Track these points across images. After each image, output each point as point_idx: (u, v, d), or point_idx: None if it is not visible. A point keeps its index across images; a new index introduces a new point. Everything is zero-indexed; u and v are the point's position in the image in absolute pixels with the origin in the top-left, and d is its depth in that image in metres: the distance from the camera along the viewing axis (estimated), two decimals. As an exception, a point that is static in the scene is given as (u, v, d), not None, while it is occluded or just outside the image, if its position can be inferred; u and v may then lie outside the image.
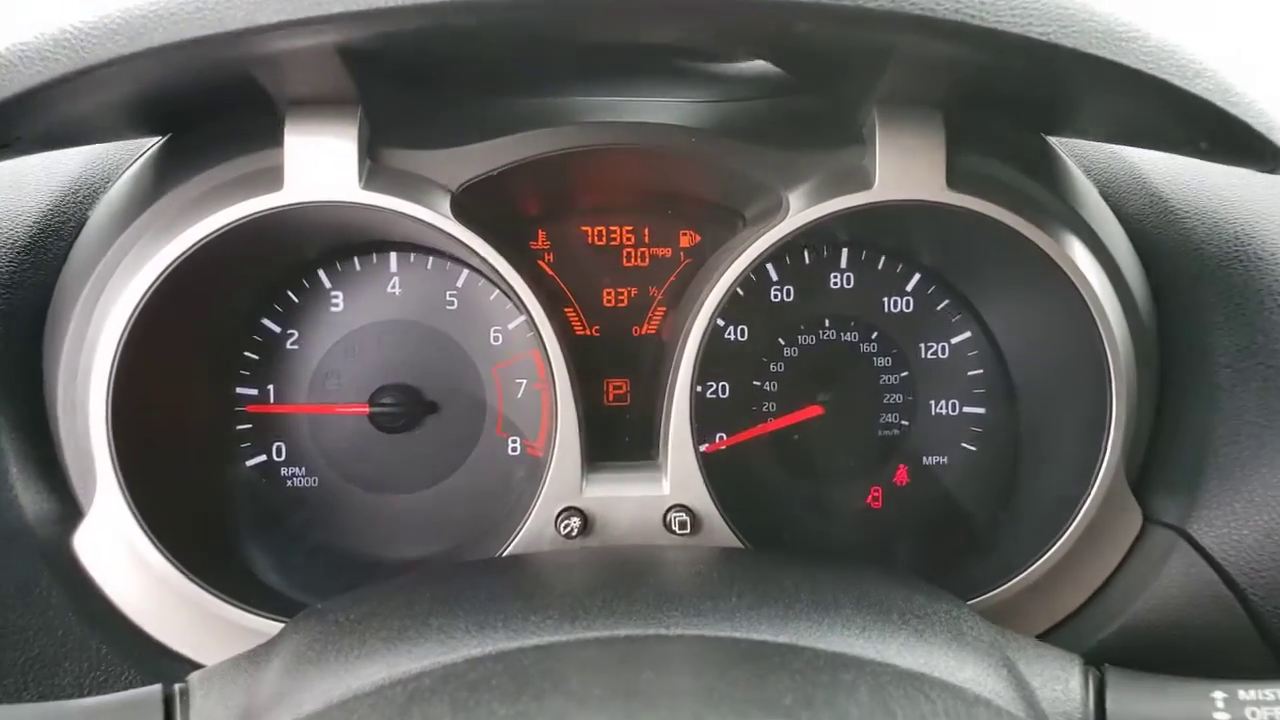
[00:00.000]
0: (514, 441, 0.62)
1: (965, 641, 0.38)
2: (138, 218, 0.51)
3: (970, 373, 0.63)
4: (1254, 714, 0.36)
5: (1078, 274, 0.52)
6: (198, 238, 0.49)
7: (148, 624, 0.50)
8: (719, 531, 0.54)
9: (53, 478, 0.52)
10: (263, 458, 0.60)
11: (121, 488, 0.49)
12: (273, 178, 0.50)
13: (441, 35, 0.41)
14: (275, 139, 0.49)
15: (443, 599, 0.39)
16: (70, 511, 0.52)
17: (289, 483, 0.60)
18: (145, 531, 0.49)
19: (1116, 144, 0.58)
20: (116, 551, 0.50)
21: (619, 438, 0.60)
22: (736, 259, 0.53)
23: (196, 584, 0.50)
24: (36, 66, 0.36)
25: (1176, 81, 0.40)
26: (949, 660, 0.36)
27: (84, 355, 0.51)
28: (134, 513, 0.49)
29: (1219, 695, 0.37)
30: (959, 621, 0.40)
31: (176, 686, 0.39)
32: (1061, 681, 0.39)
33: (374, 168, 0.51)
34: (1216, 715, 0.37)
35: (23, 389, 0.52)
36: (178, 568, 0.49)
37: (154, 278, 0.49)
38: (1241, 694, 0.37)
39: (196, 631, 0.50)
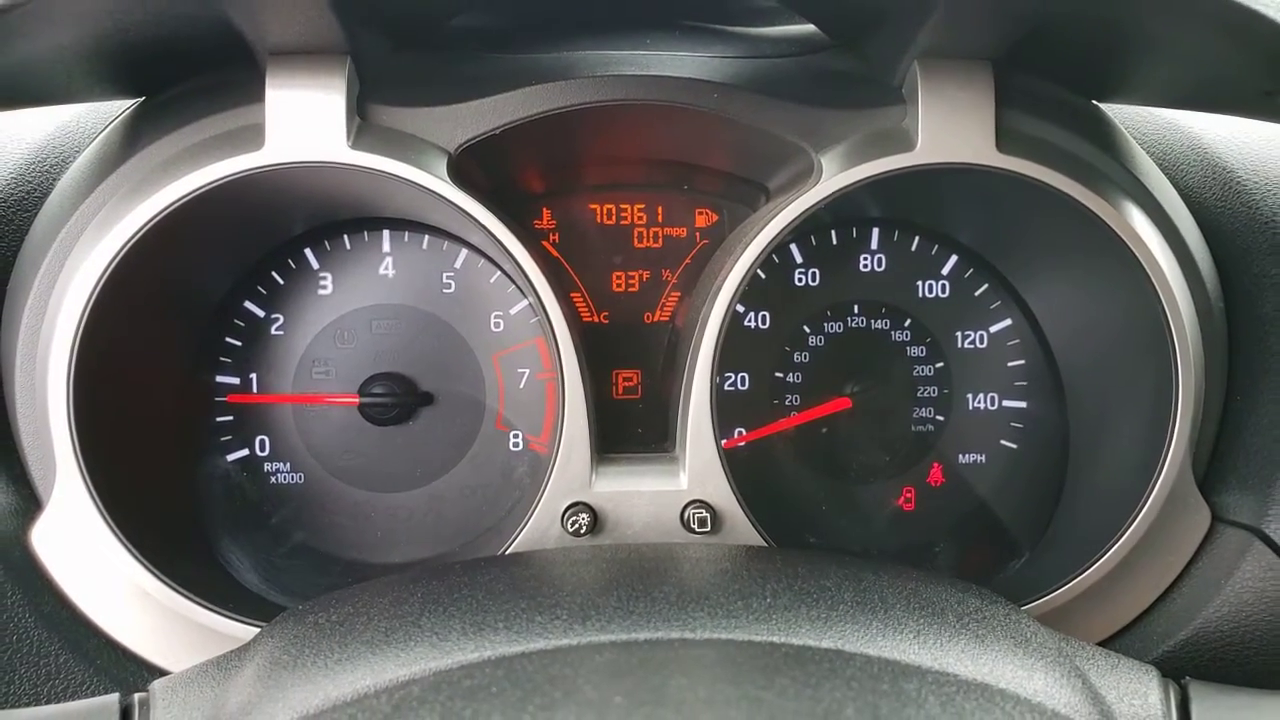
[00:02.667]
0: (516, 436, 0.57)
1: (1030, 649, 0.33)
2: (104, 180, 0.46)
3: (1011, 364, 0.58)
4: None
5: (1141, 246, 0.47)
6: (169, 200, 0.45)
7: (111, 627, 0.46)
8: (742, 530, 0.49)
9: (9, 466, 0.48)
10: (244, 452, 0.56)
11: (83, 476, 0.45)
12: (253, 136, 0.45)
13: None
14: (256, 94, 0.45)
15: (436, 597, 0.35)
16: (28, 504, 0.48)
17: (272, 479, 0.56)
18: (109, 524, 0.44)
19: (1173, 108, 0.53)
20: (77, 546, 0.46)
21: (630, 430, 0.56)
22: (760, 233, 0.49)
23: (165, 583, 0.45)
24: None
25: (1265, 10, 0.35)
26: (1016, 670, 0.31)
27: (44, 331, 0.46)
28: (96, 504, 0.45)
29: None
30: (1019, 626, 0.35)
31: (136, 696, 0.34)
32: (1140, 695, 0.34)
33: (363, 125, 0.47)
34: None
35: None
36: (145, 565, 0.45)
37: (120, 244, 0.44)
38: None
39: (164, 636, 0.45)
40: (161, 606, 0.45)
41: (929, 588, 0.36)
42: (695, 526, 0.49)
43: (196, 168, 0.45)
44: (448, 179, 0.47)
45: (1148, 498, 0.48)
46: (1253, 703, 0.34)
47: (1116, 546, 0.48)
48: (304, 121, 0.45)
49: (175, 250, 0.47)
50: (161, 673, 0.46)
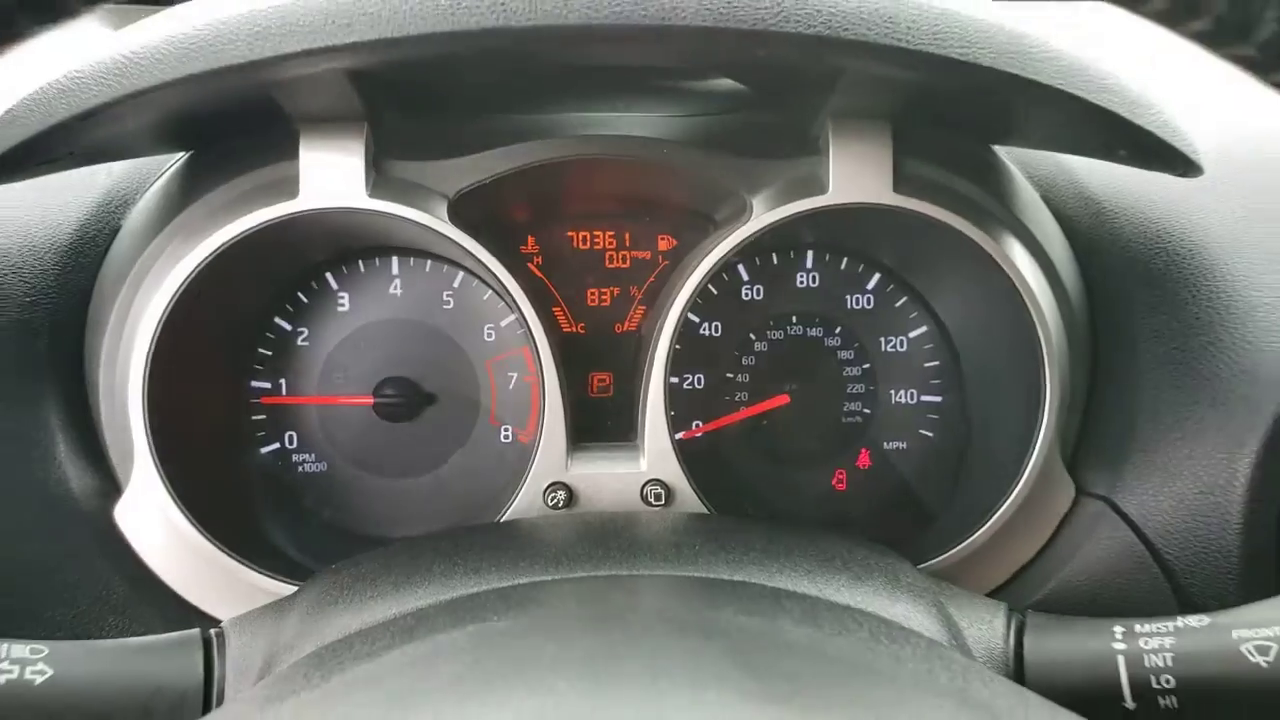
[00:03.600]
0: (506, 429, 0.67)
1: (901, 586, 0.44)
2: (167, 224, 0.56)
3: (927, 364, 0.68)
4: (1146, 643, 0.41)
5: (1015, 271, 0.57)
6: (222, 241, 0.55)
7: (181, 587, 0.56)
8: (690, 503, 0.59)
9: (95, 456, 0.57)
10: (276, 445, 0.66)
11: (157, 467, 0.54)
12: (288, 186, 0.55)
13: (431, 62, 0.47)
14: (290, 153, 0.55)
15: (444, 552, 0.45)
16: (110, 487, 0.57)
17: (300, 468, 0.66)
18: (178, 505, 0.54)
19: (1052, 151, 0.63)
20: (152, 522, 0.56)
21: (602, 423, 0.66)
22: (705, 259, 0.59)
23: (224, 552, 0.55)
24: (94, 89, 0.41)
25: (1085, 95, 0.45)
26: (883, 599, 0.41)
27: (122, 349, 0.56)
28: (168, 488, 0.55)
29: (1119, 629, 0.42)
30: (899, 573, 0.45)
31: (213, 630, 0.44)
32: (986, 623, 0.44)
33: (378, 179, 0.57)
34: (1115, 644, 0.42)
35: (68, 378, 0.57)
36: (207, 537, 0.55)
37: (183, 279, 0.54)
38: (1138, 627, 0.42)
39: (224, 594, 0.55)
40: (220, 569, 0.55)
41: (828, 541, 0.47)
42: (652, 501, 0.59)
43: (244, 213, 0.55)
44: (447, 220, 0.57)
45: (1021, 475, 0.57)
46: (1071, 625, 0.44)
47: (995, 517, 0.57)
48: (330, 176, 0.55)
49: (224, 280, 0.56)
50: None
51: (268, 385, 0.65)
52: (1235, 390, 0.54)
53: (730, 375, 0.68)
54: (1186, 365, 0.56)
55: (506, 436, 0.67)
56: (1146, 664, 0.41)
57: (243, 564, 0.55)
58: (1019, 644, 0.44)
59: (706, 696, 0.27)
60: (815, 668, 0.31)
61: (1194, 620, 0.42)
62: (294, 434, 0.66)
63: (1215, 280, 0.57)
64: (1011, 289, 0.57)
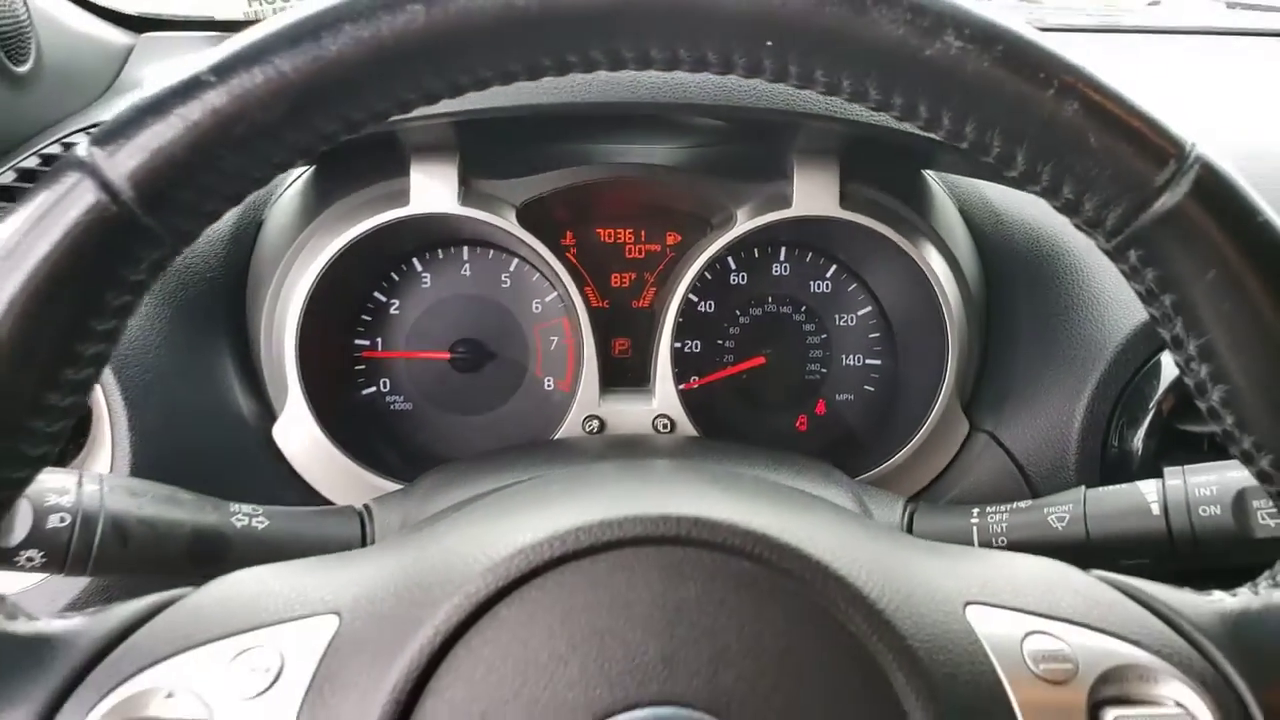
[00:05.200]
0: (549, 380, 0.88)
1: (831, 480, 0.65)
2: (310, 222, 0.77)
3: (870, 335, 0.88)
4: (991, 518, 0.63)
5: (928, 266, 0.78)
6: (352, 236, 0.75)
7: (322, 487, 0.76)
8: (688, 432, 0.80)
9: (256, 391, 0.78)
10: (374, 389, 0.86)
11: (305, 398, 0.75)
12: (401, 198, 0.76)
13: (526, 116, 0.68)
14: (402, 171, 0.76)
15: (520, 452, 0.66)
16: (268, 413, 0.78)
17: (392, 406, 0.86)
18: (320, 426, 0.75)
19: (965, 176, 0.84)
20: (301, 439, 0.76)
21: (624, 375, 0.86)
22: (702, 254, 0.80)
23: (352, 460, 0.76)
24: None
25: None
26: (817, 485, 0.63)
27: (278, 313, 0.76)
28: (313, 414, 0.75)
29: (974, 510, 0.63)
30: (831, 473, 0.67)
31: (363, 505, 0.65)
32: (888, 506, 0.65)
33: (466, 191, 0.77)
34: (971, 520, 0.63)
35: (235, 332, 0.78)
36: (340, 449, 0.75)
37: (324, 264, 0.75)
38: (988, 509, 0.63)
39: (351, 492, 0.76)
40: (350, 473, 0.75)
41: (786, 456, 0.68)
42: (660, 429, 0.80)
43: (368, 216, 0.75)
44: (515, 222, 0.78)
45: (929, 415, 0.79)
46: (948, 511, 0.65)
47: (909, 445, 0.77)
48: (433, 189, 0.75)
49: (347, 265, 0.77)
50: None
51: (368, 342, 0.86)
52: (1079, 354, 0.75)
53: (720, 341, 0.88)
54: (1050, 334, 0.77)
55: (549, 386, 0.88)
56: (990, 531, 0.62)
57: (365, 469, 0.76)
58: (909, 523, 0.65)
59: (688, 477, 0.46)
60: (760, 487, 0.47)
61: (1023, 504, 0.63)
62: (387, 380, 0.86)
63: (1074, 274, 0.78)
64: (926, 280, 0.79)
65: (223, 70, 0.35)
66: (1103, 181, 0.36)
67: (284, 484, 0.74)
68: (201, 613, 0.40)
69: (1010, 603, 0.39)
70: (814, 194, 0.77)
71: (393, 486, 0.75)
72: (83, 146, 0.35)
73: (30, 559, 0.51)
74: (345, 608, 0.38)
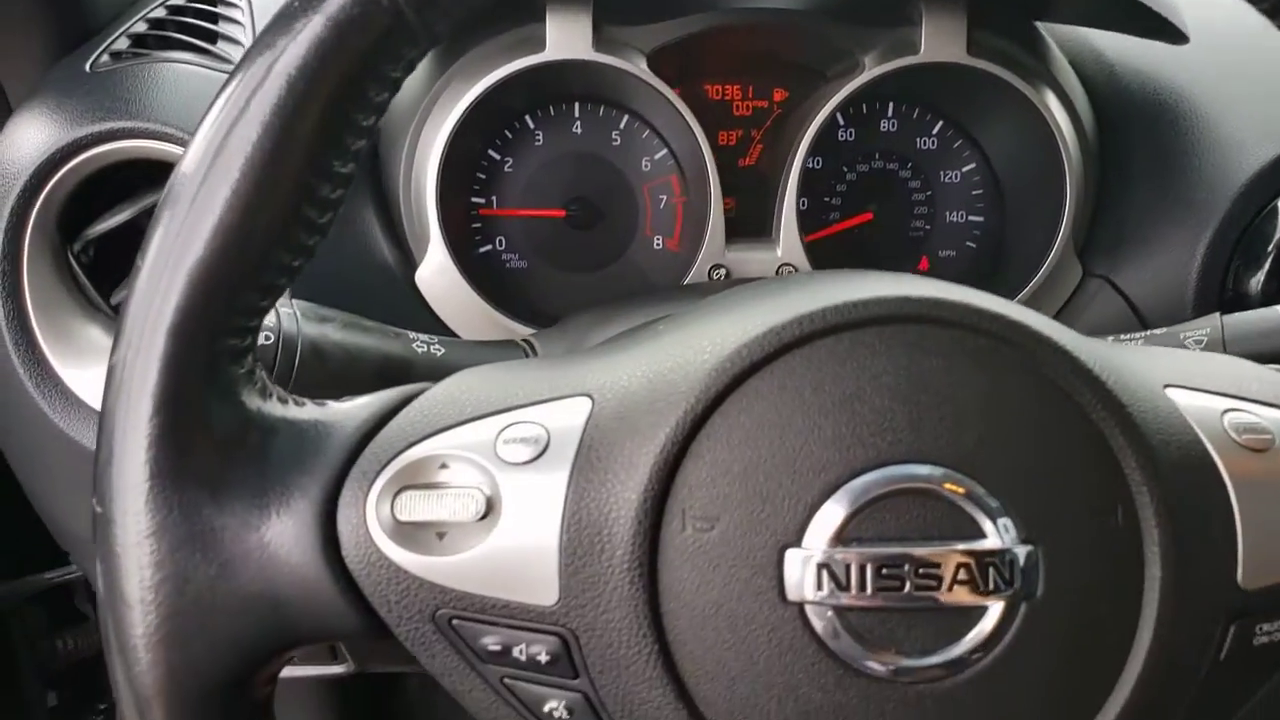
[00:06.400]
0: (657, 239, 0.89)
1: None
2: (447, 69, 0.77)
3: (974, 192, 0.90)
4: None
5: (1050, 114, 0.79)
6: (488, 84, 0.76)
7: (462, 330, 0.79)
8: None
9: (397, 240, 0.79)
10: (489, 247, 0.88)
11: (445, 243, 0.77)
12: (537, 43, 0.76)
13: None
14: (538, 18, 0.76)
15: (667, 290, 0.67)
16: (409, 260, 0.79)
17: (507, 264, 0.88)
18: (461, 273, 0.77)
19: (1079, 26, 0.84)
20: (441, 285, 0.77)
21: (733, 234, 0.88)
22: (826, 104, 0.80)
23: (490, 304, 0.78)
24: None
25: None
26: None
27: (416, 165, 0.77)
28: (454, 261, 0.77)
29: (1108, 340, 0.65)
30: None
31: (523, 340, 0.68)
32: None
33: (598, 38, 0.77)
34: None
35: (375, 184, 0.79)
36: (478, 294, 0.77)
37: (463, 110, 0.76)
38: (1122, 337, 0.66)
39: (488, 334, 0.79)
40: (486, 316, 0.77)
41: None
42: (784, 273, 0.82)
43: (502, 65, 0.76)
44: (646, 69, 0.78)
45: (1043, 264, 0.81)
46: None
47: (1022, 294, 0.79)
48: (568, 35, 0.75)
49: (469, 119, 0.78)
50: None
51: (483, 200, 0.87)
52: (1199, 196, 0.77)
53: (826, 199, 0.89)
54: (1169, 178, 0.79)
55: (658, 244, 0.89)
56: None
57: (501, 313, 0.78)
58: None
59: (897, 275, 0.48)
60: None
61: (1158, 331, 0.65)
62: (502, 238, 0.88)
63: (1194, 118, 0.79)
64: (1045, 128, 0.79)
65: None
66: None
67: (426, 328, 0.77)
68: (454, 399, 0.42)
69: (1204, 386, 0.42)
70: (942, 40, 0.77)
71: (523, 331, 0.78)
72: None
73: (247, 370, 0.54)
74: (595, 390, 0.41)
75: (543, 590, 0.38)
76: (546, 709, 0.39)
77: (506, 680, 0.39)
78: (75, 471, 0.73)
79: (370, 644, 0.55)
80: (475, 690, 0.40)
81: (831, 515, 0.38)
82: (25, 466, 0.80)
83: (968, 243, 0.90)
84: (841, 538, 0.38)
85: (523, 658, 0.39)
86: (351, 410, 0.42)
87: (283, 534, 0.38)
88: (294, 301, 0.58)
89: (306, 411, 0.41)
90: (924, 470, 0.38)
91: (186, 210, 0.38)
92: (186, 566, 0.37)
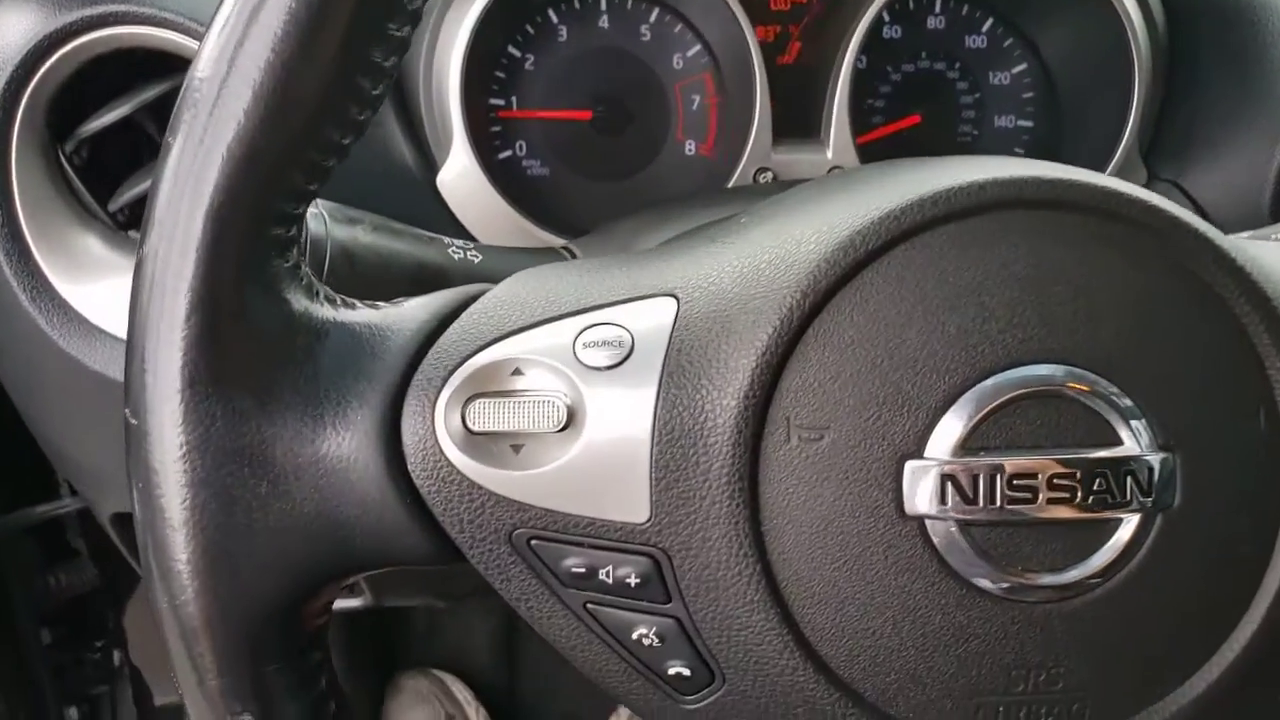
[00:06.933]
0: (690, 144, 0.83)
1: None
2: None
3: (1025, 95, 0.85)
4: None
5: (1122, 8, 0.74)
6: None
7: (485, 238, 0.74)
8: None
9: (418, 143, 0.74)
10: (509, 152, 0.82)
11: (470, 148, 0.71)
12: None
13: None
14: None
15: (717, 193, 0.63)
16: (429, 164, 0.74)
17: (528, 171, 0.83)
18: (485, 173, 0.72)
19: None
20: (463, 189, 0.72)
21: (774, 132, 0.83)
22: (873, 2, 0.74)
23: (515, 209, 0.73)
24: None
25: None
26: None
27: (436, 67, 0.72)
28: (479, 162, 0.72)
29: None
30: None
31: (561, 245, 0.63)
32: None
33: None
34: None
35: (396, 86, 0.73)
36: (505, 199, 0.72)
37: (482, 6, 0.70)
38: None
39: (515, 241, 0.74)
40: (512, 222, 0.73)
41: None
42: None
43: None
44: None
45: (1105, 169, 0.75)
46: None
47: None
48: None
49: (495, 10, 0.71)
50: None
51: (503, 102, 0.81)
52: (1275, 95, 0.72)
53: (870, 101, 0.84)
54: (1245, 77, 0.74)
55: (690, 150, 0.84)
56: None
57: (529, 220, 0.73)
58: None
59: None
60: None
61: (1243, 235, 0.61)
62: (523, 143, 0.82)
63: (1268, 17, 0.74)
64: (1115, 21, 0.74)
65: None
66: None
67: (451, 230, 0.72)
68: (522, 300, 0.38)
69: None
70: None
71: (554, 239, 0.73)
72: None
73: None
74: (680, 288, 0.36)
75: (631, 506, 0.35)
76: (635, 636, 0.36)
77: (590, 606, 0.36)
78: (77, 393, 0.68)
79: (425, 571, 0.51)
80: (555, 617, 0.36)
81: (956, 421, 0.34)
82: (21, 389, 0.75)
83: (1017, 149, 0.85)
84: (967, 446, 0.34)
85: (609, 581, 0.35)
86: (409, 312, 0.38)
87: (340, 447, 0.34)
88: (319, 201, 0.53)
89: (359, 314, 0.36)
90: (1057, 371, 0.34)
91: (224, 76, 0.33)
92: (234, 483, 0.33)
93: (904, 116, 0.84)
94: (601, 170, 0.83)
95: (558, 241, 0.73)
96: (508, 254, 0.60)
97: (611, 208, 0.84)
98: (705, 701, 0.35)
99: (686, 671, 0.35)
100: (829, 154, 0.77)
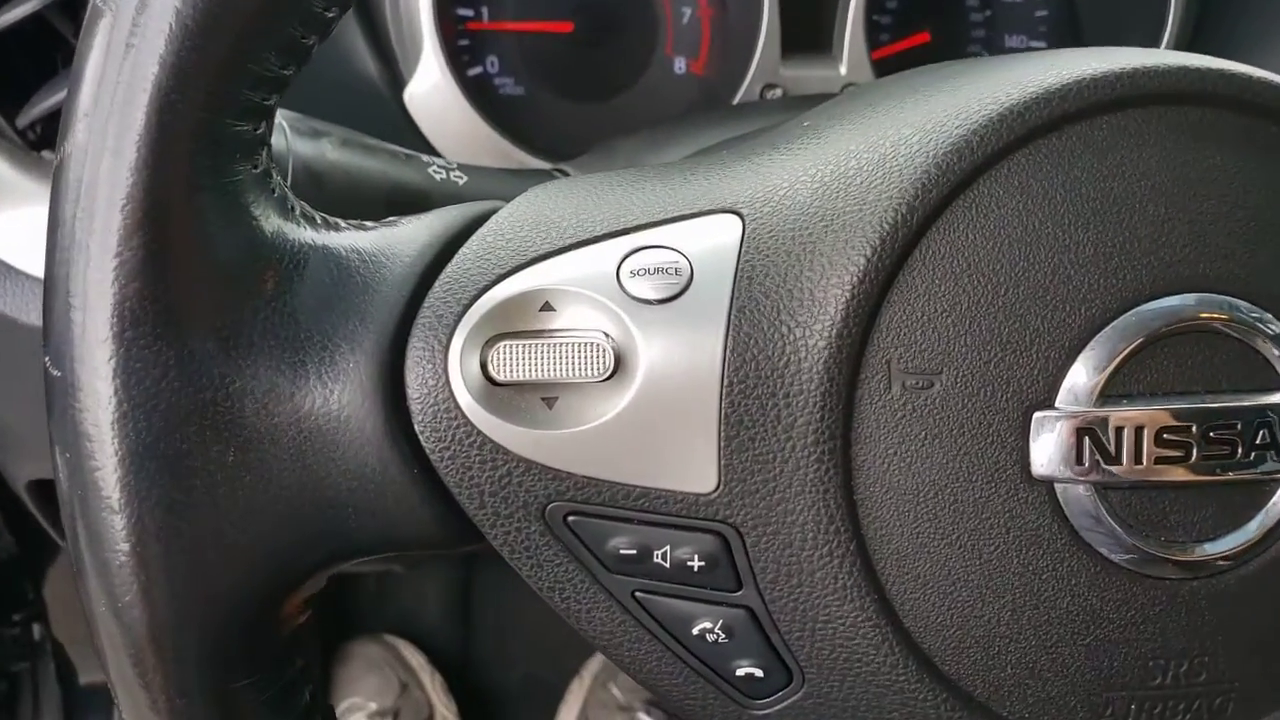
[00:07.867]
0: (680, 61, 0.76)
1: None
2: None
3: (1038, 13, 0.79)
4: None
5: None
6: None
7: (456, 158, 0.65)
8: None
9: (380, 49, 0.65)
10: (480, 69, 0.73)
11: (443, 59, 0.63)
12: None
13: None
14: None
15: (730, 108, 0.55)
16: (396, 78, 0.66)
17: (500, 90, 0.74)
18: (461, 90, 0.63)
19: None
20: (432, 105, 0.64)
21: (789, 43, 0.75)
22: None
23: (491, 126, 0.65)
24: None
25: None
26: None
27: None
28: (452, 74, 0.63)
29: None
30: None
31: (553, 168, 0.55)
32: None
33: None
34: None
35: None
36: (480, 115, 0.64)
37: None
38: None
39: (491, 164, 0.65)
40: (497, 149, 0.65)
41: None
42: None
43: None
44: None
45: None
46: None
47: None
48: None
49: None
50: None
51: (471, 12, 0.72)
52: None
53: (875, 17, 0.77)
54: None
55: (680, 69, 0.76)
56: None
57: (507, 139, 0.65)
58: None
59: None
60: None
61: None
62: (495, 59, 0.73)
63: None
64: None
65: None
66: None
67: (422, 147, 0.64)
68: (546, 219, 0.30)
69: None
70: None
71: (537, 163, 0.65)
72: None
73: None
74: (745, 204, 0.29)
75: (695, 473, 0.28)
76: (696, 631, 0.29)
77: (640, 595, 0.29)
78: None
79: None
80: (596, 609, 0.29)
81: (1093, 364, 0.28)
82: None
83: (1028, 73, 0.79)
84: (1106, 394, 0.28)
85: (665, 564, 0.29)
86: (407, 233, 0.30)
87: (327, 402, 0.27)
88: (280, 112, 0.44)
89: (345, 237, 0.29)
90: (1213, 303, 0.28)
91: None
92: (190, 451, 0.25)
93: (913, 34, 0.77)
94: (582, 89, 0.75)
95: (544, 165, 0.65)
96: (497, 175, 0.52)
97: (593, 131, 0.76)
98: (779, 706, 0.29)
99: (758, 672, 0.29)
100: (843, 69, 0.70)
